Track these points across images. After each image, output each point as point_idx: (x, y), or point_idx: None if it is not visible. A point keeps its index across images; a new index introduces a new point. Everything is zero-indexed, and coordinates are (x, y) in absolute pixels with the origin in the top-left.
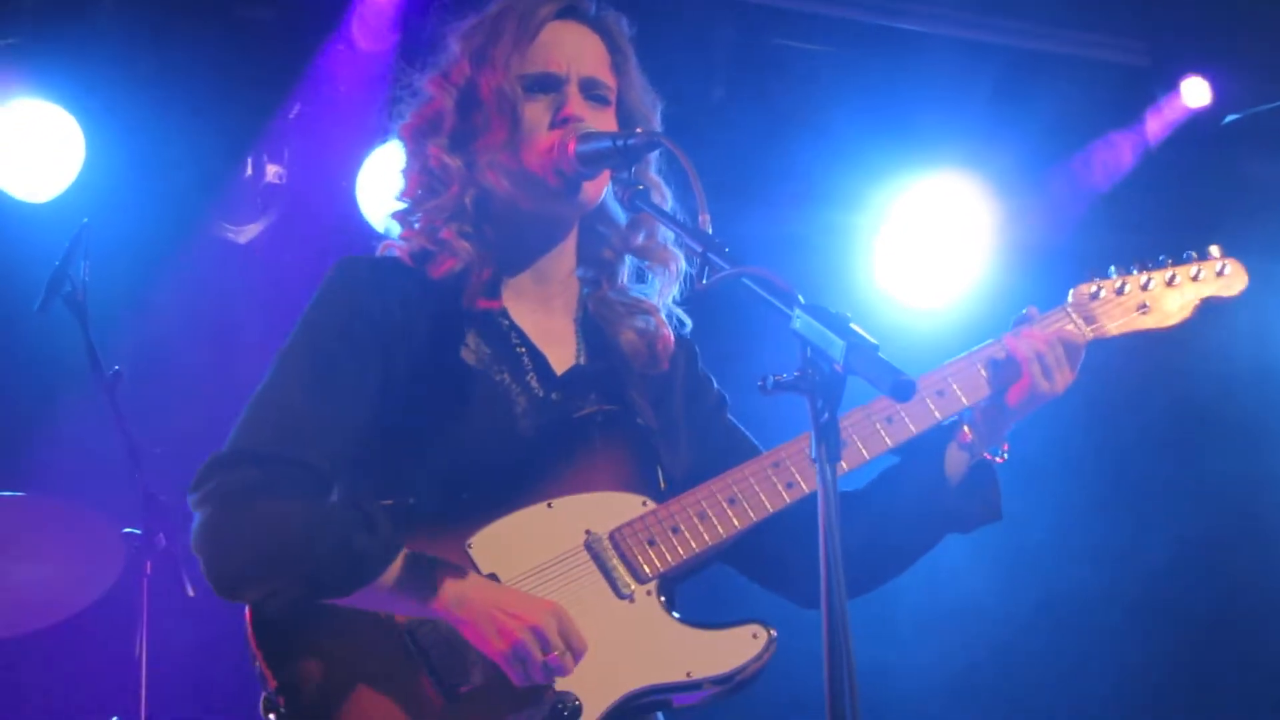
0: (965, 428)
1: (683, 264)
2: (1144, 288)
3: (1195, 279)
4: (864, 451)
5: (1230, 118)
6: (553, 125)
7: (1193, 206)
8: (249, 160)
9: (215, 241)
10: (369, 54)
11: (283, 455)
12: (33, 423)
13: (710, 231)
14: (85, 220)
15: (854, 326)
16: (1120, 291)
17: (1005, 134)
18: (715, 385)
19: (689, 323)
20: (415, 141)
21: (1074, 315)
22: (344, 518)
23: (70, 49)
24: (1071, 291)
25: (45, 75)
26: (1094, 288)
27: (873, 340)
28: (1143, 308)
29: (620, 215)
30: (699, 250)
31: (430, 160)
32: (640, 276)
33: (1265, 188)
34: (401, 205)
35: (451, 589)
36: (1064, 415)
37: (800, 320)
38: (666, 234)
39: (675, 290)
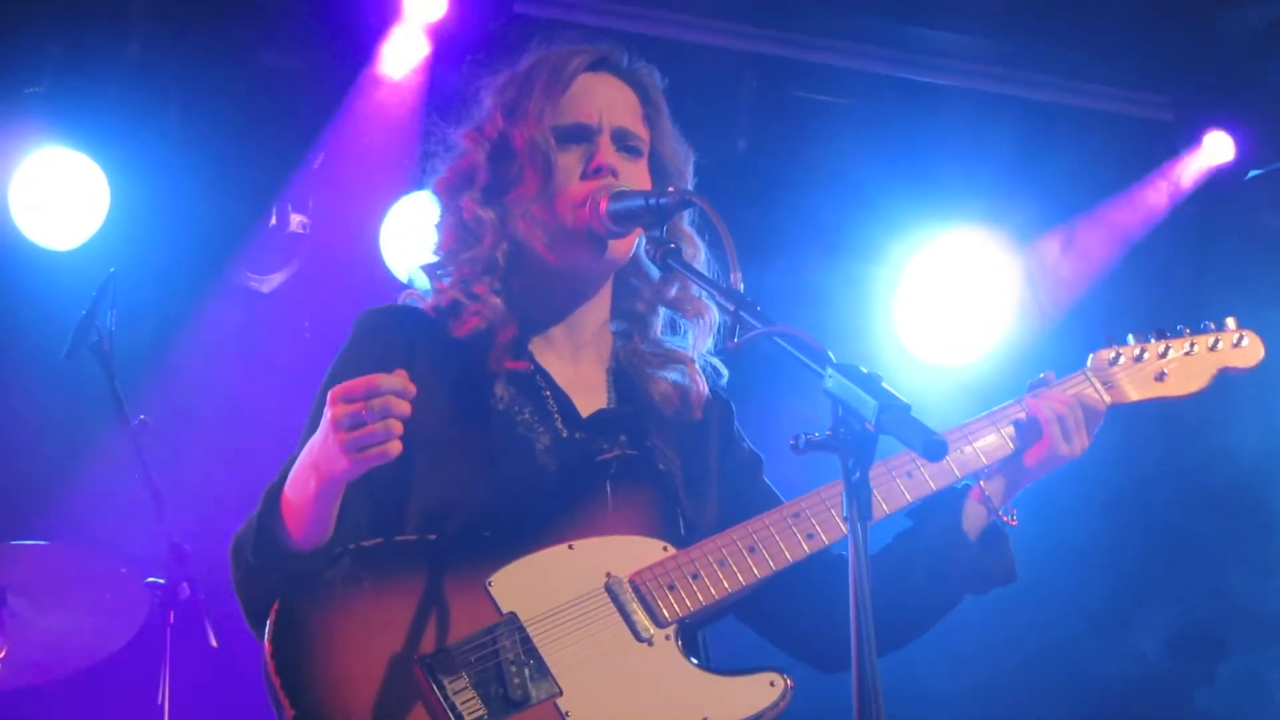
0: (980, 484)
1: (716, 316)
2: (1161, 356)
3: (1213, 349)
4: (884, 505)
5: (1253, 173)
6: (584, 176)
7: (1215, 262)
8: (273, 209)
9: (239, 291)
10: (394, 104)
11: None
12: (58, 471)
13: (742, 289)
14: (112, 269)
15: (886, 386)
16: (1139, 359)
17: (1027, 188)
18: (749, 445)
19: (725, 373)
20: (449, 195)
21: (1093, 380)
22: None
23: (95, 98)
24: (1091, 356)
25: (70, 123)
26: (1113, 354)
27: (905, 400)
28: (1160, 376)
29: (653, 269)
30: (731, 309)
31: (464, 213)
32: (674, 328)
33: None
34: (433, 259)
35: (295, 481)
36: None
37: (833, 380)
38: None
39: (710, 341)
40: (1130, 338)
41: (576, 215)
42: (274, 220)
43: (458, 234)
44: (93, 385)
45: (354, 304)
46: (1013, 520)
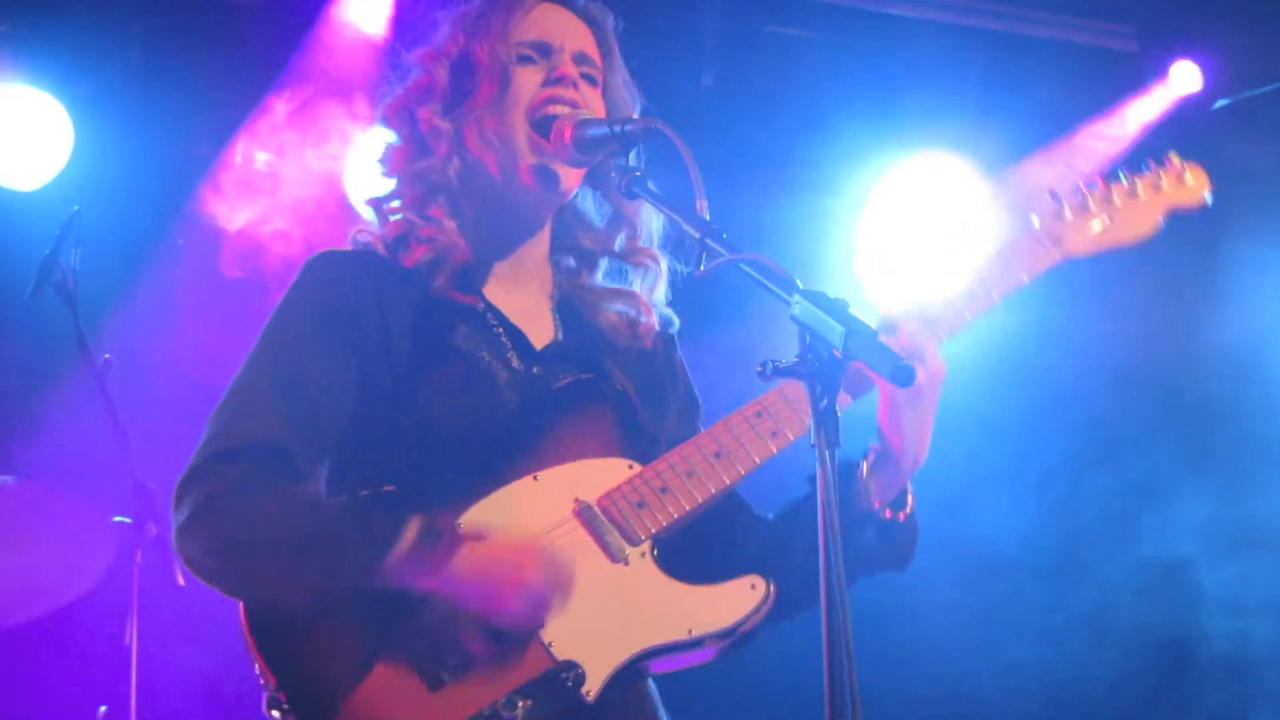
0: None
1: (664, 264)
2: (1106, 202)
3: (1157, 189)
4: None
5: (1220, 103)
6: (546, 84)
7: None
8: (238, 147)
9: (204, 228)
10: (358, 38)
11: (257, 447)
12: (22, 411)
13: (708, 217)
14: (76, 208)
15: (853, 312)
16: (1083, 210)
17: (994, 119)
18: (690, 386)
19: (677, 322)
20: (404, 112)
21: (1042, 239)
22: (340, 502)
23: (59, 36)
24: (1034, 216)
25: (33, 62)
26: (1056, 207)
27: (872, 326)
28: (1108, 224)
29: (595, 217)
30: (696, 236)
31: (420, 125)
32: (621, 276)
33: (1255, 173)
34: (383, 189)
35: (447, 565)
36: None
37: (799, 306)
38: (652, 231)
39: (662, 289)
40: (1079, 184)
41: (530, 120)
42: (239, 157)
43: (410, 150)
44: (57, 324)
45: (318, 240)
46: (904, 514)
